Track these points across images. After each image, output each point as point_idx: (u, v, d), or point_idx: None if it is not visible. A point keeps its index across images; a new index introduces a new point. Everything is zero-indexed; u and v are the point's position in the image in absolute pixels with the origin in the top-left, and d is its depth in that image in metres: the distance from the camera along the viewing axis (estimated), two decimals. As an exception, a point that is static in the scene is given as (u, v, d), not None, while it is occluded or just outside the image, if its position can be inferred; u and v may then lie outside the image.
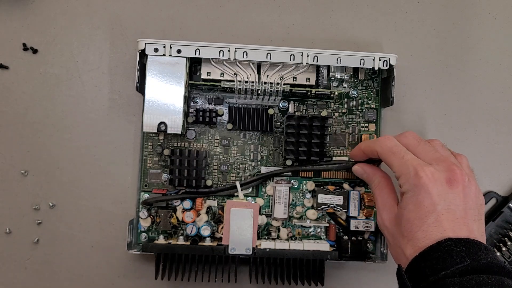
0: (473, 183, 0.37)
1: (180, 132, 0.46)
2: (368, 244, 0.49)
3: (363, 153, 0.44)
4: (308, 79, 0.49)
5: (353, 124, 0.51)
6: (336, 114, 0.51)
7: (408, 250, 0.35)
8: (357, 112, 0.51)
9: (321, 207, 0.48)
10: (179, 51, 0.46)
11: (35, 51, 0.50)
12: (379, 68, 0.47)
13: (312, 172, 0.50)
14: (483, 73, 0.53)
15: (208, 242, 0.47)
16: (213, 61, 0.47)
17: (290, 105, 0.50)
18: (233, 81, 0.48)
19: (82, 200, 0.50)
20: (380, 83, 0.51)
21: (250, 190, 0.49)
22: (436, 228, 0.34)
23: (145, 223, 0.48)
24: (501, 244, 0.51)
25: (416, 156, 0.38)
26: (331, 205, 0.48)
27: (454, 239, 0.33)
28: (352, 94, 0.51)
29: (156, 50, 0.46)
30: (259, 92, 0.48)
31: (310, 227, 0.50)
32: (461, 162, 0.38)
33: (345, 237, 0.48)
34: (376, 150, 0.41)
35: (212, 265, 0.47)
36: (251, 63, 0.48)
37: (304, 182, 0.50)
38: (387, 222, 0.39)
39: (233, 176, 0.50)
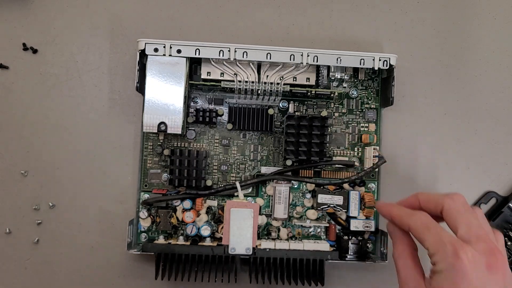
0: (508, 266, 0.35)
1: (180, 132, 0.46)
2: (368, 244, 0.49)
3: (391, 218, 0.41)
4: (308, 79, 0.49)
5: (353, 124, 0.51)
6: (336, 114, 0.51)
7: None
8: (357, 112, 0.51)
9: (321, 207, 0.48)
10: (179, 51, 0.46)
11: (35, 51, 0.50)
12: (379, 68, 0.47)
13: (312, 173, 0.50)
14: (483, 73, 0.53)
15: (208, 242, 0.47)
16: (213, 61, 0.47)
17: (290, 105, 0.50)
18: (233, 81, 0.48)
19: (82, 200, 0.50)
20: (380, 83, 0.51)
21: (250, 190, 0.49)
22: None
23: (145, 223, 0.48)
24: (501, 244, 0.51)
25: (457, 225, 0.36)
26: (331, 205, 0.48)
27: None
28: (352, 94, 0.51)
29: (156, 50, 0.46)
30: (259, 92, 0.48)
31: (310, 227, 0.50)
32: (497, 240, 0.36)
33: (345, 237, 0.48)
34: (409, 224, 0.38)
35: (212, 265, 0.47)
36: (251, 63, 0.48)
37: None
38: None
39: (233, 176, 0.50)
